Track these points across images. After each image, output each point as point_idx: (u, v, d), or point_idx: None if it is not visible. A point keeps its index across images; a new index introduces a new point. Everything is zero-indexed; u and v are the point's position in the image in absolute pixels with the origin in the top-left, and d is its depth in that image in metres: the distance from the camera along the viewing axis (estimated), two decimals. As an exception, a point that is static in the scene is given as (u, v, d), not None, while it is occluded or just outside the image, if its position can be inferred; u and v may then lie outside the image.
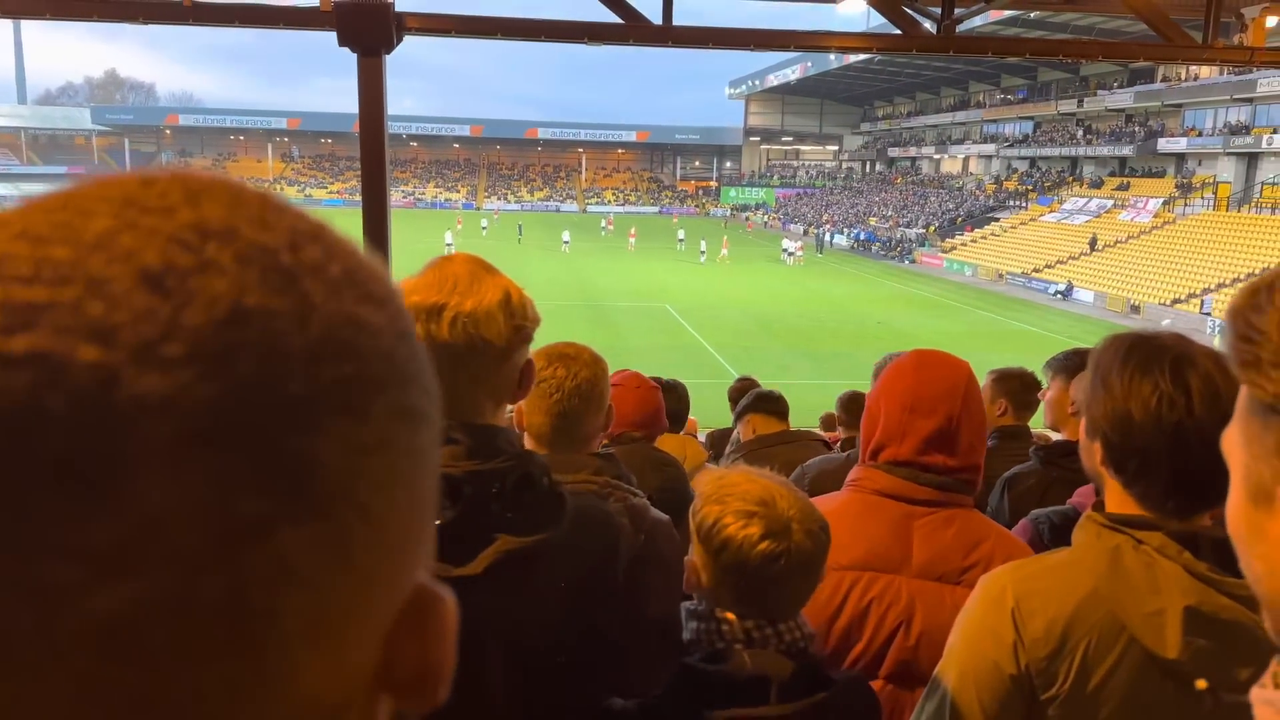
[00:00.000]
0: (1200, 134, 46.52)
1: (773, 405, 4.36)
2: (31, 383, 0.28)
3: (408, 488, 0.35)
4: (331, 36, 9.05)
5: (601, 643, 1.50)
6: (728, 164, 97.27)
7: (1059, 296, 37.55)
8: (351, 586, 0.33)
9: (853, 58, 60.04)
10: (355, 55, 9.16)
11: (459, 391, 1.40)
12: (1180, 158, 48.91)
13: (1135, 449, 1.38)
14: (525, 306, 1.49)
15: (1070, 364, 3.19)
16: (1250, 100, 42.89)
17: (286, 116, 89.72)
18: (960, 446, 1.89)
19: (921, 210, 62.91)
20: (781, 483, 1.51)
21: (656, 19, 9.88)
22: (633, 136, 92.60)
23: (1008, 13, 31.43)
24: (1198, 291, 33.26)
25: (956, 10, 10.47)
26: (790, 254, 48.04)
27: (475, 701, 1.28)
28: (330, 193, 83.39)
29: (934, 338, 25.45)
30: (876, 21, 11.92)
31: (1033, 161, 61.79)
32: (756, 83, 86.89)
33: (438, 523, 0.40)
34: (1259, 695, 0.67)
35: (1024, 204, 56.56)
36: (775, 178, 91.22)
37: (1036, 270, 42.34)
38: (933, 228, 57.28)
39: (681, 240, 52.68)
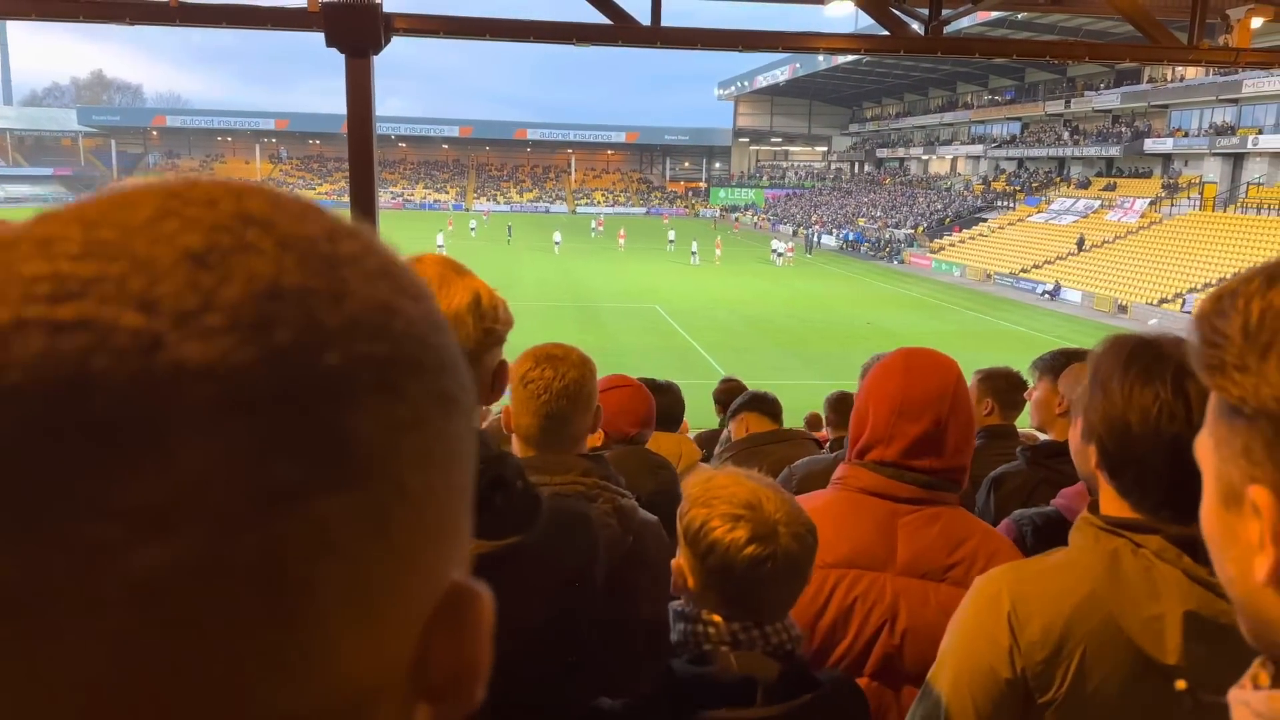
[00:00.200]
0: (1186, 135, 46.80)
1: (767, 405, 4.37)
2: (79, 346, 0.29)
3: (444, 471, 0.36)
4: (319, 37, 9.04)
5: (582, 645, 1.50)
6: (717, 165, 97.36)
7: (1047, 296, 37.71)
8: (389, 565, 0.33)
9: (841, 59, 60.19)
10: (343, 56, 9.14)
11: None
12: (1167, 158, 49.18)
13: (1133, 458, 1.37)
14: (496, 309, 1.48)
15: (1057, 364, 3.20)
16: (1236, 101, 43.17)
17: (274, 117, 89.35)
18: (948, 449, 1.89)
19: (910, 211, 63.08)
20: (768, 485, 1.51)
21: (645, 20, 9.89)
22: (622, 137, 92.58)
23: (995, 14, 31.56)
24: (1184, 291, 33.43)
25: (944, 11, 10.51)
26: (780, 255, 48.11)
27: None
28: (318, 194, 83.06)
29: (923, 338, 25.53)
30: (865, 23, 11.95)
31: (1020, 162, 62.02)
32: (745, 84, 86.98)
33: None
34: (1236, 696, 0.68)
35: (1012, 204, 56.77)
36: (764, 179, 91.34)
37: (1024, 270, 42.50)
38: (921, 228, 57.45)
39: (672, 241, 52.70)
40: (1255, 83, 40.33)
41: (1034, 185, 57.28)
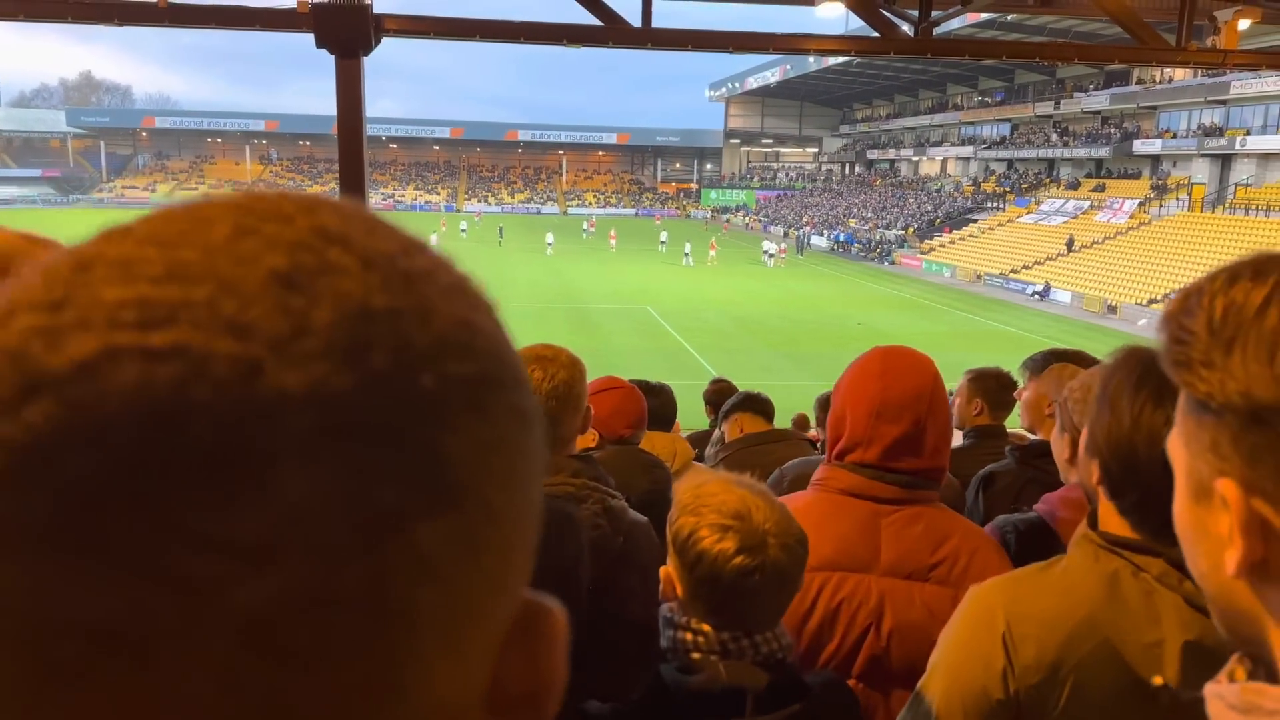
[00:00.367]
0: (1175, 136, 47.04)
1: (760, 405, 4.38)
2: (177, 375, 0.28)
3: (523, 489, 0.36)
4: (309, 38, 9.01)
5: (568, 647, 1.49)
6: (708, 166, 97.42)
7: (1036, 297, 37.84)
8: (480, 587, 0.33)
9: (831, 60, 60.30)
10: (333, 57, 9.12)
11: None
12: (1155, 159, 49.42)
13: (1137, 482, 1.32)
14: None
15: (1048, 364, 3.21)
16: (1224, 102, 43.40)
17: (264, 118, 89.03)
18: (926, 449, 1.89)
19: (900, 212, 63.24)
20: (759, 492, 1.49)
21: (636, 21, 9.89)
22: (613, 139, 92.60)
23: (984, 15, 31.69)
24: (1173, 292, 33.45)
25: (933, 13, 10.54)
26: (771, 256, 48.18)
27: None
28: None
29: (914, 338, 25.57)
30: (855, 24, 11.98)
31: (1010, 163, 62.25)
32: (736, 85, 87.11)
33: None
34: (1211, 689, 0.69)
35: (1001, 205, 56.97)
36: (755, 180, 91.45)
37: (1014, 271, 42.66)
38: (911, 229, 57.59)
39: (664, 242, 52.71)
40: (1243, 84, 40.56)
41: (1024, 186, 57.49)
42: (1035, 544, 2.09)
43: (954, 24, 21.74)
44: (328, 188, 78.01)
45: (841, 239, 59.11)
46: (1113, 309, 33.88)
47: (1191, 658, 1.27)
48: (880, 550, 1.86)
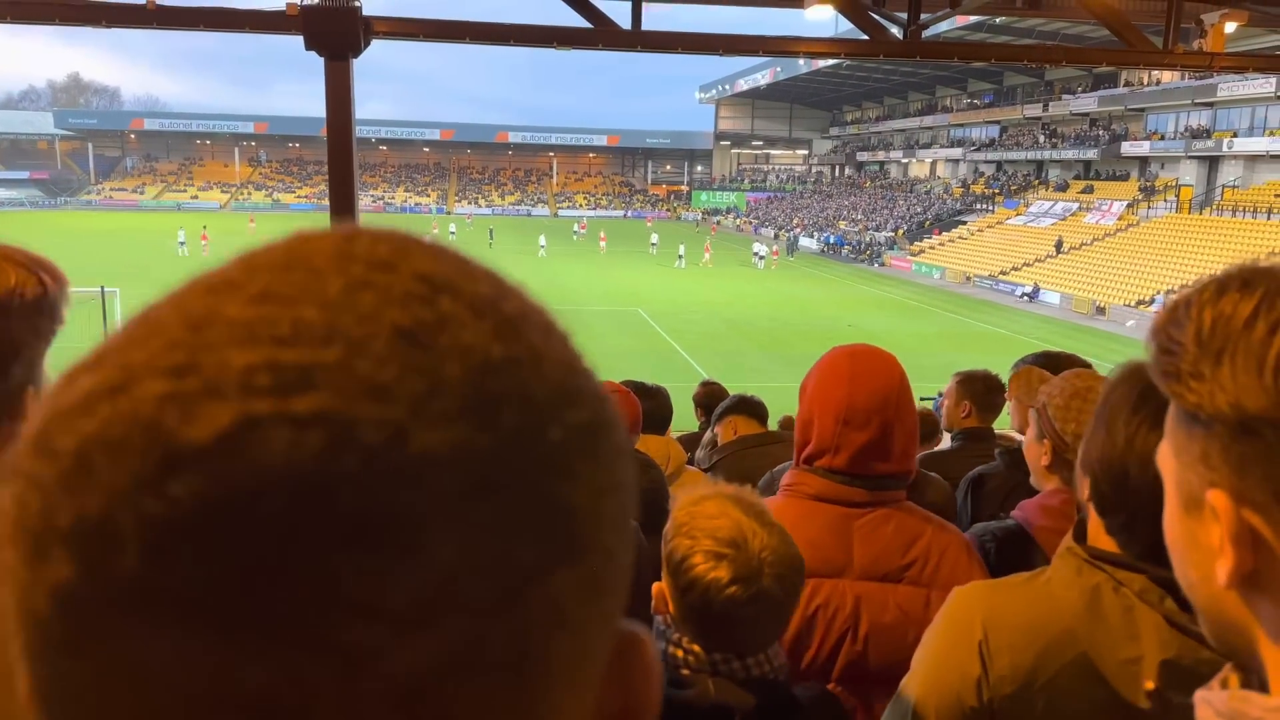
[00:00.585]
0: (1162, 138, 47.30)
1: (754, 408, 4.38)
2: (324, 443, 0.28)
3: (629, 526, 0.36)
4: (299, 39, 8.99)
5: None
6: (699, 168, 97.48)
7: (1025, 298, 37.96)
8: (600, 627, 0.34)
9: (821, 63, 60.45)
10: (323, 59, 9.10)
11: None
12: (1143, 161, 49.66)
13: (1126, 505, 1.31)
14: None
15: (1039, 365, 3.23)
16: (1211, 104, 43.65)
17: (253, 120, 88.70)
18: (894, 453, 1.89)
19: (890, 214, 63.38)
20: (756, 514, 1.46)
21: (625, 23, 9.90)
22: (604, 140, 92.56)
23: (973, 18, 31.82)
24: (1162, 293, 33.76)
25: (922, 16, 10.58)
26: (761, 257, 48.25)
27: None
28: (298, 197, 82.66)
29: (903, 339, 25.67)
30: (845, 27, 12.00)
31: (999, 165, 62.47)
32: (726, 87, 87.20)
33: None
34: (1200, 695, 0.70)
35: (991, 207, 57.15)
36: (746, 182, 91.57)
37: (1003, 273, 42.78)
38: (901, 231, 57.74)
39: (654, 244, 52.72)
40: (1230, 86, 40.78)
41: (1012, 188, 57.69)
42: (1014, 552, 2.10)
43: (943, 27, 21.84)
44: (317, 189, 77.94)
45: (831, 241, 59.21)
46: (1101, 310, 34.02)
47: (1169, 676, 1.26)
48: (853, 554, 1.86)
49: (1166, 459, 0.72)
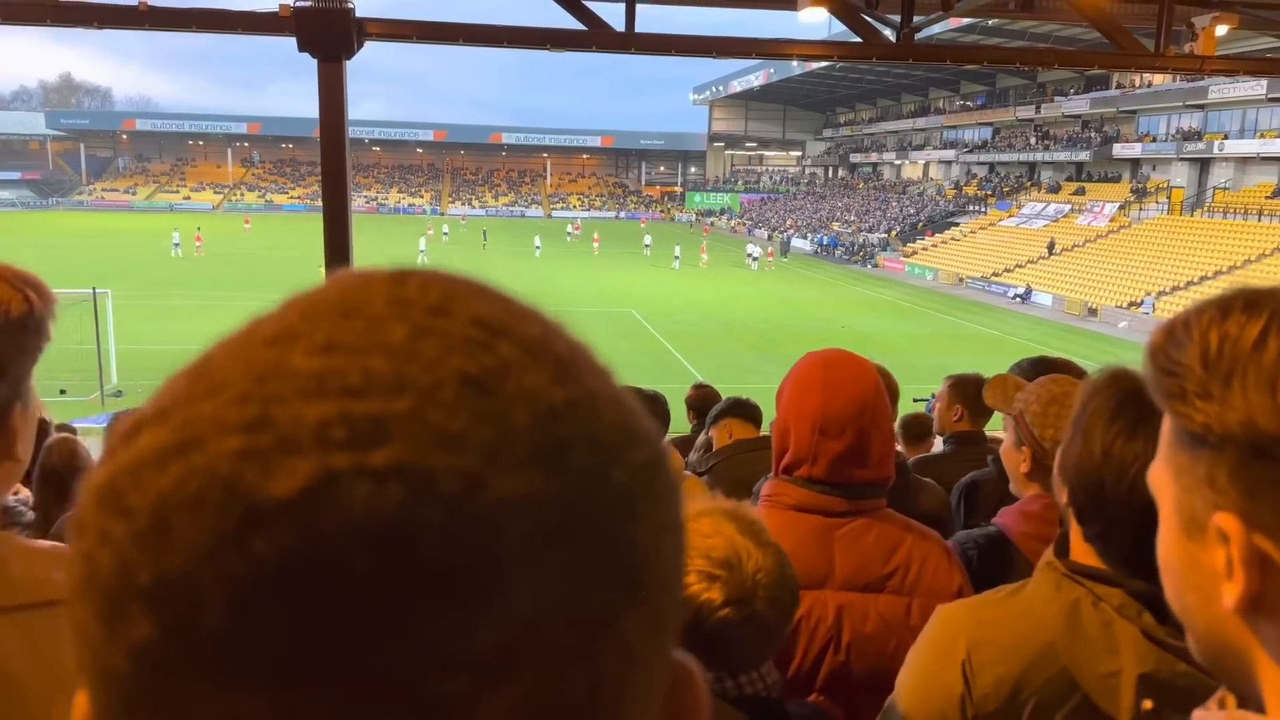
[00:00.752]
0: (1154, 140, 47.48)
1: (749, 411, 4.37)
2: (404, 495, 0.28)
3: (683, 559, 0.36)
4: (292, 40, 8.97)
5: None
6: (692, 169, 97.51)
7: (1018, 300, 38.06)
8: (662, 663, 0.34)
9: (814, 64, 60.54)
10: (315, 60, 9.08)
11: None
12: (1135, 163, 49.85)
13: (1102, 514, 1.31)
14: None
15: (1035, 371, 3.22)
16: (1202, 107, 43.82)
17: (246, 121, 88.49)
18: (872, 460, 1.88)
19: (883, 215, 63.51)
20: (753, 533, 1.44)
21: (619, 25, 9.90)
22: (597, 142, 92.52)
23: (966, 21, 31.89)
24: (1153, 294, 33.89)
25: (915, 18, 10.59)
26: (755, 259, 48.29)
27: None
28: (291, 198, 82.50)
29: (896, 340, 25.73)
30: (838, 29, 12.01)
31: (992, 167, 62.64)
32: (720, 89, 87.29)
33: None
34: (1199, 715, 0.70)
35: (983, 209, 57.30)
36: (740, 183, 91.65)
37: (996, 274, 42.89)
38: (894, 232, 57.86)
39: (648, 246, 52.71)
40: (1221, 89, 40.94)
41: (1005, 190, 57.85)
42: (996, 559, 2.10)
43: (936, 29, 21.89)
44: (310, 190, 77.78)
45: (825, 242, 59.30)
46: (1093, 311, 34.12)
47: (1146, 690, 1.26)
48: (835, 564, 1.85)
49: (1163, 481, 0.71)
